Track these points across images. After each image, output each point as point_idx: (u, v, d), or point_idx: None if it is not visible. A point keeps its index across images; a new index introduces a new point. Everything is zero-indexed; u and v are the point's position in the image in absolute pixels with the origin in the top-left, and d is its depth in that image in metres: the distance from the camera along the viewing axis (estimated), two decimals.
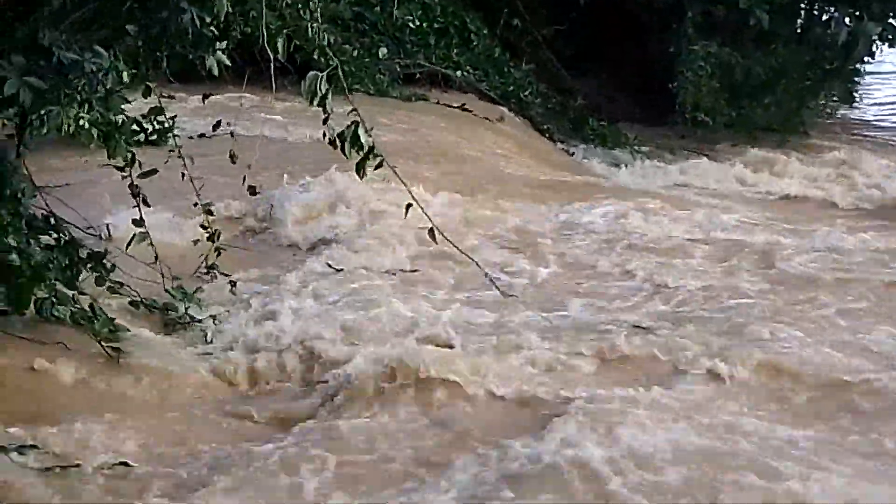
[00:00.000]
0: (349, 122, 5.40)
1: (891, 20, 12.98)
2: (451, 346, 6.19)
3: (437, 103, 12.03)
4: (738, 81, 13.11)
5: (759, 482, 4.61)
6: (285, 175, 8.93)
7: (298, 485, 4.73)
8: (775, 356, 6.15)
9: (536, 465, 4.82)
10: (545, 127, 12.86)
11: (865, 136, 13.99)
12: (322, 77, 5.23)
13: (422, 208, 6.06)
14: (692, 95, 12.94)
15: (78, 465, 4.71)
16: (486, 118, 11.94)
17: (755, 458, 4.89)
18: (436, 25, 13.00)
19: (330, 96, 5.30)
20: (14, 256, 5.50)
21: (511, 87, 13.10)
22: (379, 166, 5.45)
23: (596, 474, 4.62)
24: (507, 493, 4.57)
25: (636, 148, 12.68)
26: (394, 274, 7.45)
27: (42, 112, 5.34)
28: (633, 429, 5.07)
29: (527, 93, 13.20)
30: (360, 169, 5.48)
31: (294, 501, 4.62)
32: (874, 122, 14.92)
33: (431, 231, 6.12)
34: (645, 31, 13.51)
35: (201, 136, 6.68)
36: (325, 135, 5.47)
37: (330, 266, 7.43)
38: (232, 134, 6.41)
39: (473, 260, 6.99)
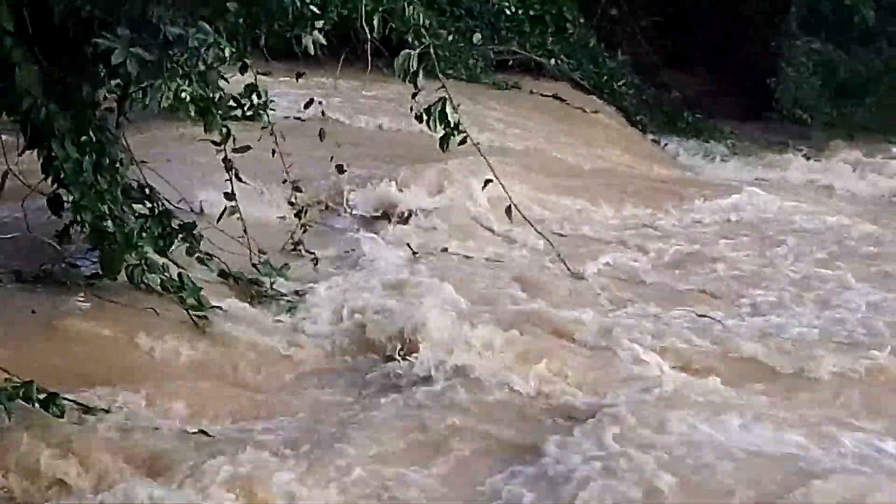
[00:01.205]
0: (437, 99, 5.49)
1: None
2: None
3: (531, 92, 11.96)
4: (841, 79, 12.82)
5: None
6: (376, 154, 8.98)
7: (377, 446, 4.86)
8: None
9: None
10: (638, 118, 12.76)
11: None
12: (414, 55, 5.34)
13: (503, 186, 6.17)
14: (792, 91, 12.73)
15: (157, 429, 4.81)
16: (579, 108, 11.86)
17: None
18: (531, 13, 12.97)
19: (421, 74, 5.39)
20: (108, 223, 5.68)
21: (605, 78, 13.04)
22: (462, 142, 5.54)
23: None
24: None
25: (730, 142, 12.48)
26: (469, 258, 7.43)
27: (145, 84, 5.47)
28: None
29: (620, 83, 13.12)
30: (443, 143, 5.60)
31: (368, 464, 4.68)
32: None
33: (509, 208, 6.21)
34: (747, 25, 13.27)
35: (296, 118, 6.72)
36: (413, 110, 5.58)
37: (409, 247, 7.48)
38: (323, 113, 6.49)
39: (544, 236, 7.12)
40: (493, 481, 4.68)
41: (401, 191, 8.45)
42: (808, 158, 11.81)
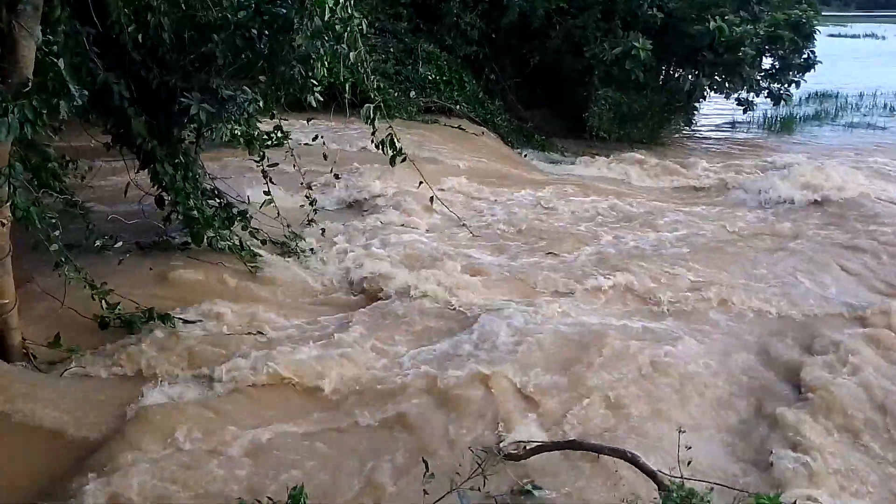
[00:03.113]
0: (387, 134, 5.54)
1: (716, 77, 12.93)
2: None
3: (445, 125, 11.98)
4: (624, 113, 13.07)
5: None
6: (355, 167, 8.95)
7: (364, 337, 4.95)
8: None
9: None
10: (509, 140, 12.82)
11: (698, 146, 13.94)
12: (371, 107, 5.36)
13: (430, 186, 6.23)
14: (596, 121, 12.99)
15: (231, 334, 4.84)
16: (473, 133, 11.91)
17: None
18: (444, 78, 12.92)
19: (377, 118, 5.42)
20: (194, 211, 5.69)
21: (489, 115, 13.00)
22: (403, 160, 5.59)
23: None
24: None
25: (562, 152, 12.67)
26: (415, 228, 7.42)
27: (211, 126, 5.45)
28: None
29: (498, 118, 13.13)
30: (392, 161, 5.62)
31: (364, 347, 4.79)
32: (703, 139, 14.88)
33: (432, 199, 6.30)
34: (569, 81, 13.38)
35: (307, 144, 6.69)
36: (372, 142, 5.62)
37: (381, 223, 7.43)
38: (324, 143, 6.45)
39: (456, 214, 7.20)
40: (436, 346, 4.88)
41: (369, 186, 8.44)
42: (608, 159, 11.91)
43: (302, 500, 2.68)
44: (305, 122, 6.76)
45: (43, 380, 4.16)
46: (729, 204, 9.12)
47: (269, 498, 2.67)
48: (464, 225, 7.34)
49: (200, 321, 4.91)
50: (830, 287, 6.27)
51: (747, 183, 9.69)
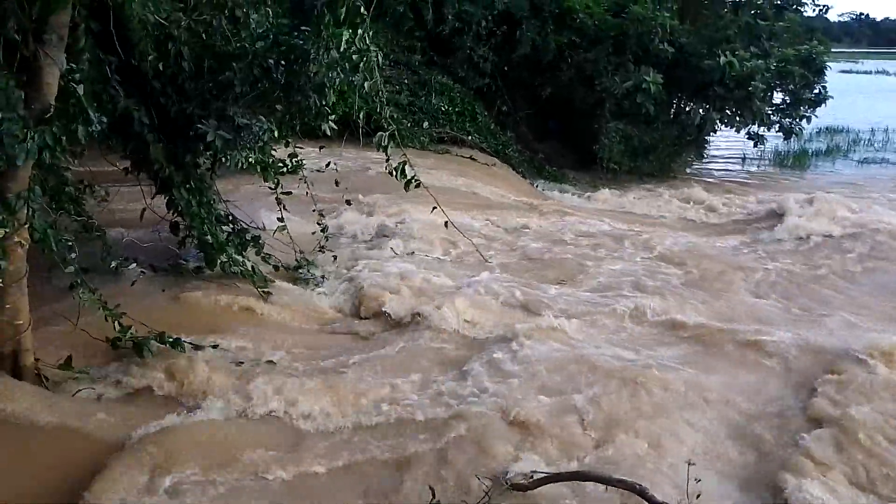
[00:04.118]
0: (400, 161, 5.59)
1: (727, 111, 13.01)
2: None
3: (457, 156, 12.08)
4: (635, 145, 13.15)
5: None
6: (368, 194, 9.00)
7: (373, 364, 4.94)
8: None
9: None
10: (520, 171, 12.91)
11: (709, 180, 13.97)
12: (385, 135, 5.41)
13: (444, 212, 6.25)
14: (608, 153, 13.07)
15: (241, 364, 4.82)
16: (485, 164, 12.01)
17: None
18: (457, 109, 13.07)
19: (391, 147, 5.47)
20: (208, 237, 5.73)
21: (500, 146, 13.12)
22: (417, 186, 5.63)
23: None
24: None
25: (573, 183, 12.74)
26: (427, 256, 7.43)
27: (227, 153, 5.54)
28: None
29: (509, 149, 13.24)
30: (406, 187, 5.65)
31: (373, 376, 4.76)
32: (714, 172, 14.92)
33: (447, 223, 6.30)
34: (581, 114, 13.50)
35: (319, 171, 6.75)
36: (386, 168, 5.67)
37: (392, 250, 7.45)
38: (336, 170, 6.50)
39: (471, 240, 7.20)
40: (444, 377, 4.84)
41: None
42: (617, 191, 11.99)
43: None
44: (318, 150, 6.82)
45: (53, 400, 4.17)
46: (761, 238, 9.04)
47: None
48: (478, 251, 7.35)
49: (211, 346, 4.89)
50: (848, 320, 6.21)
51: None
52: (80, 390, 4.33)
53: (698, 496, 3.18)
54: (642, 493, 3.41)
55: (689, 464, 3.30)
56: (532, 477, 3.62)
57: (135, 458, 3.66)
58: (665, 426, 4.32)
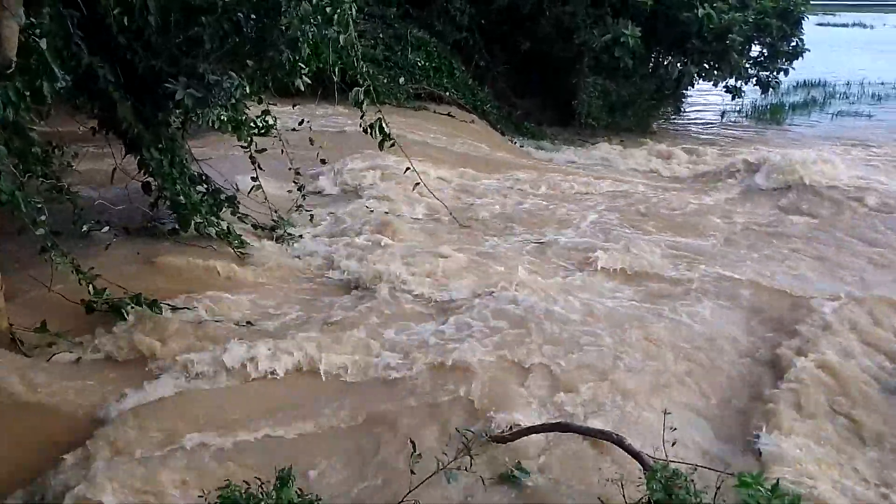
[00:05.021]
0: (376, 118, 5.52)
1: (705, 64, 12.97)
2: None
3: (434, 112, 11.95)
4: (613, 100, 13.10)
5: None
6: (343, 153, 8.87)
7: (352, 322, 4.95)
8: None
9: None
10: (498, 126, 12.81)
11: (685, 135, 13.97)
12: (361, 91, 5.33)
13: (417, 174, 6.20)
14: (585, 109, 13.01)
15: (220, 321, 4.82)
16: (463, 121, 11.89)
17: None
18: (434, 64, 12.85)
19: (366, 103, 5.40)
20: (181, 197, 5.65)
21: (478, 102, 12.98)
22: (392, 145, 5.57)
23: None
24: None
25: (551, 139, 12.67)
26: (400, 215, 7.37)
27: (198, 111, 5.40)
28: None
29: (487, 105, 13.10)
30: (381, 146, 5.60)
31: (352, 334, 4.75)
32: (691, 127, 14.93)
33: (416, 184, 6.26)
34: (559, 69, 13.35)
35: (294, 129, 6.65)
36: (360, 125, 5.59)
37: (367, 207, 7.43)
38: (310, 128, 6.42)
39: (441, 201, 7.14)
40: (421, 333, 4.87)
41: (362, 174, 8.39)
42: (595, 146, 12.00)
43: (290, 481, 2.69)
44: (292, 107, 6.71)
45: (30, 364, 4.14)
46: (733, 190, 9.15)
47: (256, 478, 2.67)
48: (450, 214, 7.32)
49: (188, 308, 4.86)
50: (815, 273, 6.34)
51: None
52: (55, 354, 4.30)
53: (673, 444, 3.26)
54: (620, 442, 3.49)
55: (664, 413, 3.38)
56: (511, 430, 3.69)
57: (115, 422, 3.66)
58: (641, 376, 4.41)
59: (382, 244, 6.37)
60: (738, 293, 5.78)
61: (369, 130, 5.54)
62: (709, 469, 3.34)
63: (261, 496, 2.62)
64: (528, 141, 12.64)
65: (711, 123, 15.42)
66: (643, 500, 2.87)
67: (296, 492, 2.66)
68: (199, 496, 2.81)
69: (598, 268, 6.15)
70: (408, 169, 6.10)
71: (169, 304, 4.81)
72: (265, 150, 6.22)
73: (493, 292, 5.44)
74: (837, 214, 7.88)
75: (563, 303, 5.35)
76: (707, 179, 9.88)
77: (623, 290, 5.81)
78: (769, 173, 9.08)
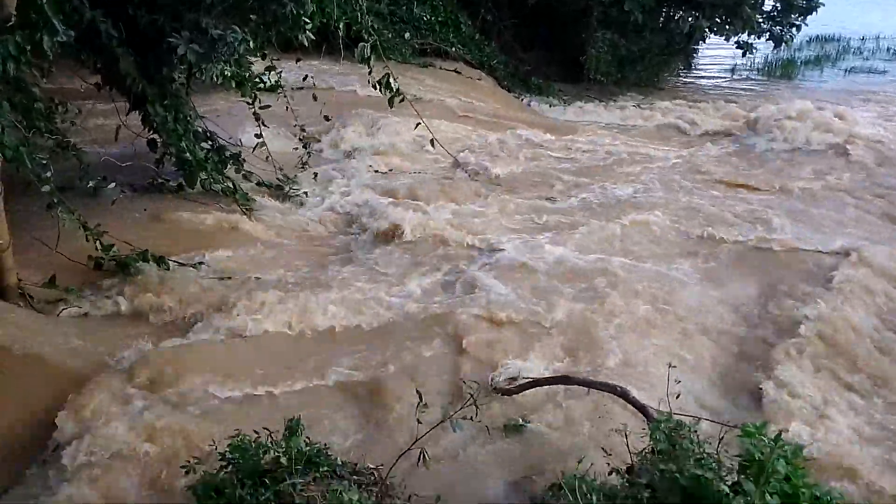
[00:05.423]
0: (384, 74, 5.44)
1: (716, 18, 12.69)
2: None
3: (440, 68, 11.77)
4: (622, 55, 12.87)
5: None
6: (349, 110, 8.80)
7: (359, 276, 4.98)
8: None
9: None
10: (505, 83, 12.61)
11: (697, 91, 13.73)
12: (367, 46, 5.25)
13: (428, 128, 6.15)
14: (594, 64, 12.80)
15: (229, 277, 4.84)
16: (469, 77, 11.73)
17: None
18: (440, 19, 12.61)
19: (372, 59, 5.32)
20: (187, 154, 5.64)
21: (485, 58, 12.77)
22: (402, 101, 5.51)
23: None
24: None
25: (559, 96, 12.47)
26: (409, 172, 7.35)
27: (201, 67, 5.34)
28: None
29: (494, 61, 12.88)
30: (391, 102, 5.54)
31: (361, 287, 4.79)
32: (702, 83, 14.68)
33: (433, 141, 6.21)
34: (567, 23, 13.09)
35: (300, 88, 6.59)
36: (369, 82, 5.52)
37: (371, 168, 7.38)
38: (314, 83, 6.35)
39: (452, 155, 7.09)
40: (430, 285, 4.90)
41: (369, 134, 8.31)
42: (603, 103, 11.82)
43: (299, 430, 2.73)
44: (295, 62, 6.63)
45: (40, 319, 4.18)
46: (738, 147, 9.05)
47: (265, 428, 2.70)
48: (464, 169, 7.28)
49: (195, 264, 4.88)
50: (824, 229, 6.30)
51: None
52: (65, 308, 4.34)
53: (678, 397, 3.28)
54: (624, 395, 3.52)
55: (669, 366, 3.39)
56: (516, 382, 3.72)
57: (122, 375, 3.70)
58: (648, 331, 4.42)
59: (388, 201, 6.35)
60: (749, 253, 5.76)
61: (378, 87, 5.46)
62: (712, 421, 3.37)
63: (270, 445, 2.66)
64: (535, 97, 12.45)
65: (722, 78, 15.17)
66: (647, 451, 2.90)
67: (304, 440, 2.70)
68: (209, 445, 2.86)
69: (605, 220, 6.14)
70: (418, 125, 6.03)
71: (176, 261, 4.83)
72: (269, 106, 6.16)
73: (503, 248, 5.44)
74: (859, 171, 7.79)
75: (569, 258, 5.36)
76: (716, 136, 9.77)
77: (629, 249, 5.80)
78: (778, 130, 8.98)
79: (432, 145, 6.37)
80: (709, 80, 15.00)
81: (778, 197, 7.14)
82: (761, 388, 3.95)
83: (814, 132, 8.80)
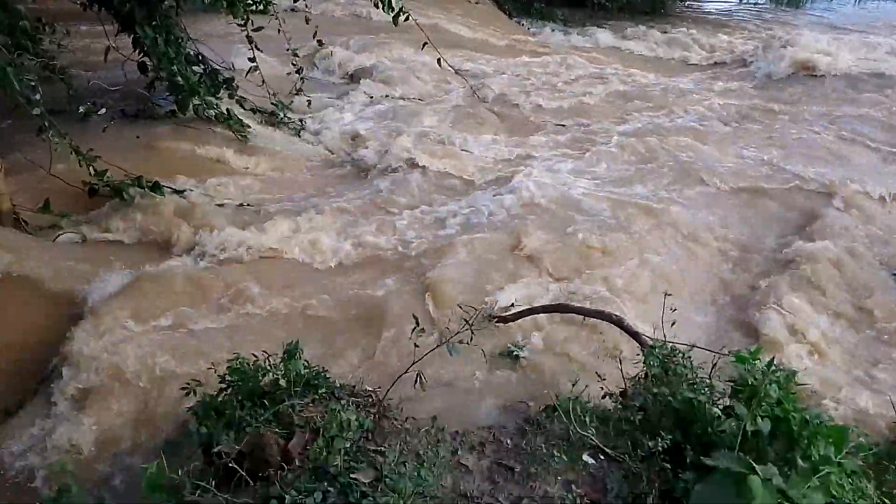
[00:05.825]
0: None
1: None
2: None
3: None
4: None
5: None
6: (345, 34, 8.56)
7: (359, 204, 4.93)
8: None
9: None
10: (506, 6, 12.22)
11: (702, 19, 13.36)
12: None
13: (436, 49, 5.99)
14: None
15: (223, 205, 4.81)
16: (468, 1, 11.37)
17: None
18: None
19: None
20: (179, 78, 5.49)
21: None
22: (406, 19, 5.34)
23: None
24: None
25: (562, 22, 12.10)
26: (405, 99, 7.20)
27: None
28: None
29: None
30: (395, 20, 5.36)
31: (360, 214, 4.76)
32: (708, 8, 14.29)
33: (439, 60, 6.03)
34: None
35: (291, 9, 6.37)
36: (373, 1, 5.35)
37: (366, 94, 7.23)
38: (307, 5, 6.12)
39: (463, 76, 6.96)
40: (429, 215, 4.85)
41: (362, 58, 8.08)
42: (608, 30, 11.48)
43: (297, 353, 2.75)
44: None
45: (36, 244, 4.15)
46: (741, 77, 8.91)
47: (264, 351, 2.72)
48: (473, 91, 7.12)
49: (190, 190, 4.83)
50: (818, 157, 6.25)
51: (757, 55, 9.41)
52: (60, 234, 4.31)
53: (672, 324, 3.30)
54: (619, 322, 3.54)
55: (665, 294, 3.40)
56: (512, 310, 3.74)
57: (118, 299, 3.71)
58: (648, 260, 4.43)
59: (386, 127, 6.23)
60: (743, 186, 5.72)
61: (380, 5, 5.28)
62: (706, 350, 3.41)
63: (268, 367, 2.68)
64: (537, 22, 12.08)
65: (729, 4, 14.77)
66: (640, 376, 2.94)
67: (302, 363, 2.72)
68: (208, 367, 2.88)
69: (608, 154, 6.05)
70: (425, 44, 5.82)
71: (170, 187, 4.77)
72: (262, 28, 5.96)
73: (509, 178, 5.41)
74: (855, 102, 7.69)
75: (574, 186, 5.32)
76: (718, 66, 9.57)
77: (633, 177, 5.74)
78: (782, 59, 8.82)
79: (439, 63, 6.18)
80: (717, 5, 14.62)
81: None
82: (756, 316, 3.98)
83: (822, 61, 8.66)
